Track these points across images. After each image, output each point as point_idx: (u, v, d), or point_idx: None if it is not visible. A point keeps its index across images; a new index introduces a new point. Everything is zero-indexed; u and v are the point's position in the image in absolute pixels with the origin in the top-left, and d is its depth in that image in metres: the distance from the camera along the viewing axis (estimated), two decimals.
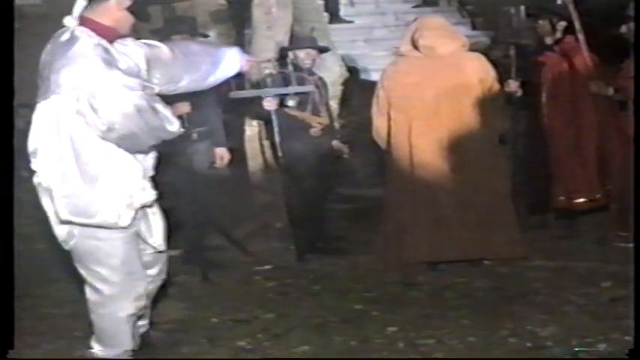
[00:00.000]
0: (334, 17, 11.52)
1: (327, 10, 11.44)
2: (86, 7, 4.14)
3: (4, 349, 4.36)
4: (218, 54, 4.61)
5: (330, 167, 7.27)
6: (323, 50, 7.47)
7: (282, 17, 7.99)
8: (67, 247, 4.28)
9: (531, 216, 7.19)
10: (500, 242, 6.35)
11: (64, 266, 6.78)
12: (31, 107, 13.79)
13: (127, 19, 4.22)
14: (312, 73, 7.23)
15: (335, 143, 7.41)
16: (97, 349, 4.48)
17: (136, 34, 4.47)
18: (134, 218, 4.19)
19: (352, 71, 10.07)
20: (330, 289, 6.04)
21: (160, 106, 4.13)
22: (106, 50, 4.08)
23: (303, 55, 7.08)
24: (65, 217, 4.13)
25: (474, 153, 6.34)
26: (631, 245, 5.97)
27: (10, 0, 4.55)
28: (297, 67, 7.05)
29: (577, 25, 6.64)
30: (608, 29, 7.20)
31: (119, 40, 4.23)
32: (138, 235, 4.33)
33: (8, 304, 4.46)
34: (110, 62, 4.03)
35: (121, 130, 3.99)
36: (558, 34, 7.01)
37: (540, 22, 7.12)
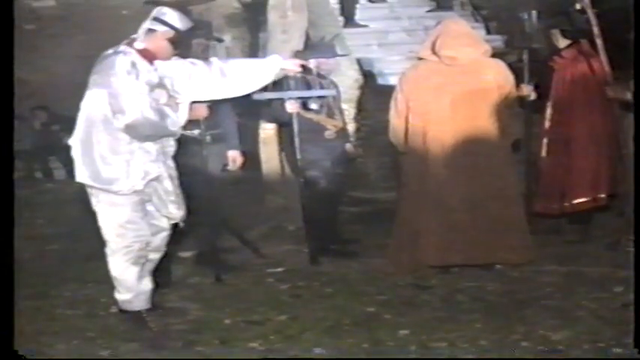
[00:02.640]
0: (349, 21, 11.53)
1: (342, 14, 11.47)
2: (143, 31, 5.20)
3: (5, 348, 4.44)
4: (254, 65, 5.51)
5: (343, 170, 7.29)
6: (343, 56, 7.51)
7: (297, 21, 8.01)
8: (93, 209, 5.27)
9: (544, 220, 7.19)
10: (510, 247, 6.34)
11: (78, 267, 6.87)
12: (46, 109, 13.89)
13: (167, 48, 5.21)
14: (324, 77, 7.26)
15: (349, 146, 7.43)
16: (116, 295, 5.39)
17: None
18: (138, 190, 5.16)
19: (367, 75, 10.09)
20: (343, 291, 6.04)
21: (169, 110, 5.17)
22: (134, 65, 5.08)
23: (332, 64, 7.15)
24: (81, 179, 5.16)
25: (487, 158, 6.34)
26: None
27: (10, 3, 4.81)
28: (318, 73, 7.09)
29: (595, 30, 6.64)
30: (622, 33, 7.20)
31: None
32: (146, 203, 5.29)
33: (9, 305, 4.51)
34: (130, 73, 5.05)
35: (125, 121, 5.01)
36: (568, 41, 7.04)
37: (553, 31, 7.15)
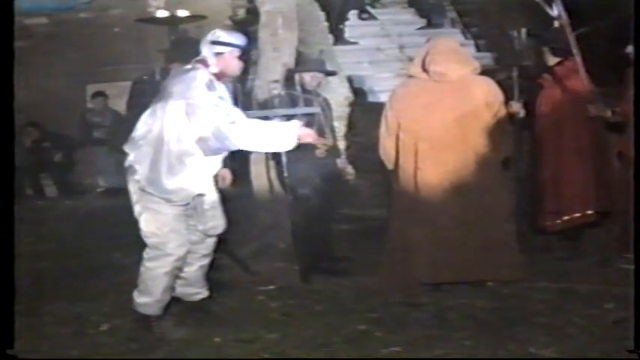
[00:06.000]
0: (339, 39, 11.57)
1: (332, 31, 11.49)
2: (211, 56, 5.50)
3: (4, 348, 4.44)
4: (274, 130, 5.63)
5: (334, 188, 7.28)
6: (330, 73, 7.51)
7: (288, 39, 8.02)
8: (137, 218, 5.47)
9: (535, 237, 7.20)
10: (499, 265, 6.34)
11: (68, 284, 6.85)
12: (36, 126, 13.86)
13: (236, 65, 5.58)
14: (317, 94, 7.28)
15: (340, 163, 7.42)
16: (135, 296, 5.56)
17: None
18: (187, 202, 5.43)
19: (357, 92, 10.11)
20: (334, 309, 6.03)
21: (236, 125, 5.40)
22: (211, 81, 5.40)
23: (309, 78, 7.14)
24: (143, 186, 5.37)
25: (477, 176, 6.34)
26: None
27: (10, 21, 4.86)
28: (303, 89, 7.12)
29: (574, 49, 6.66)
30: (611, 50, 7.24)
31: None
32: (188, 217, 5.53)
33: (9, 305, 4.52)
34: (210, 87, 5.37)
35: (201, 133, 5.30)
36: (557, 58, 7.09)
37: (543, 48, 7.21)
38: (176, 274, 5.56)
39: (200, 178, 5.45)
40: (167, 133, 5.31)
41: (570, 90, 6.99)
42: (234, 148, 5.50)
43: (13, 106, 4.75)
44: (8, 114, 4.68)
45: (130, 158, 5.43)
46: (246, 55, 5.74)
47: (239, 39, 5.60)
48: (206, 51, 5.51)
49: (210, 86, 5.38)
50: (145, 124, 5.44)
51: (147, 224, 5.44)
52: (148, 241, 5.47)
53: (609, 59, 7.18)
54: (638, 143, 5.81)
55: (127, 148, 5.47)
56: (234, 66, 5.58)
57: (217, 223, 5.64)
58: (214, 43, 5.50)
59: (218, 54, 5.48)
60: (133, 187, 5.48)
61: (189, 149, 5.34)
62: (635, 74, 6.12)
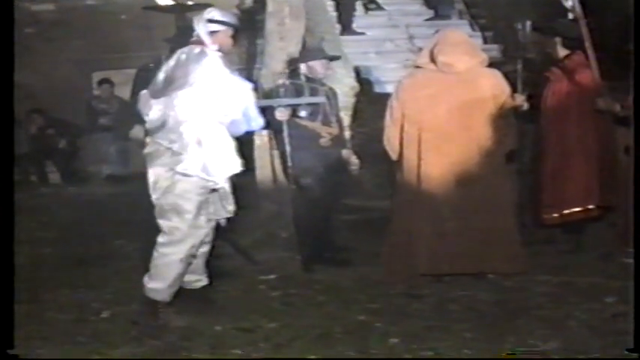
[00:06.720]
0: (346, 29, 11.55)
1: (339, 21, 11.48)
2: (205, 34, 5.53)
3: (4, 348, 4.45)
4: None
5: (338, 178, 7.29)
6: (333, 58, 7.51)
7: (294, 28, 8.00)
8: (154, 203, 5.47)
9: (537, 230, 7.20)
10: (500, 257, 6.35)
11: (70, 271, 6.87)
12: (42, 113, 13.85)
13: (230, 44, 5.67)
14: (322, 84, 7.28)
15: (344, 152, 7.42)
16: (146, 281, 5.51)
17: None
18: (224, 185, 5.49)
19: (363, 83, 10.11)
20: (335, 299, 6.03)
21: (256, 107, 5.63)
22: (223, 63, 5.46)
23: (311, 66, 7.14)
24: (192, 172, 5.36)
25: (480, 168, 6.34)
26: None
27: (10, 9, 4.86)
28: (308, 78, 7.12)
29: (587, 42, 6.64)
30: (619, 44, 7.22)
31: None
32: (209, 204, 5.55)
33: (9, 304, 4.53)
34: (230, 68, 5.48)
35: (232, 116, 5.41)
36: (566, 51, 7.06)
37: (556, 39, 7.17)
38: (190, 261, 5.56)
39: (234, 158, 5.52)
40: (200, 119, 5.35)
41: (578, 83, 6.97)
42: (260, 126, 5.79)
43: (13, 96, 4.76)
44: (8, 103, 4.68)
45: (175, 147, 5.36)
46: (237, 34, 5.82)
47: (233, 18, 5.73)
48: (201, 29, 5.54)
49: (228, 67, 5.48)
50: (175, 111, 5.40)
51: (169, 211, 5.41)
52: (166, 225, 5.43)
53: (617, 54, 7.15)
54: (639, 139, 5.82)
55: (160, 137, 5.42)
56: (228, 44, 5.65)
57: (230, 205, 5.66)
58: (211, 21, 5.55)
59: (213, 32, 5.53)
60: (158, 172, 5.45)
61: (218, 131, 5.40)
62: (634, 72, 6.11)
